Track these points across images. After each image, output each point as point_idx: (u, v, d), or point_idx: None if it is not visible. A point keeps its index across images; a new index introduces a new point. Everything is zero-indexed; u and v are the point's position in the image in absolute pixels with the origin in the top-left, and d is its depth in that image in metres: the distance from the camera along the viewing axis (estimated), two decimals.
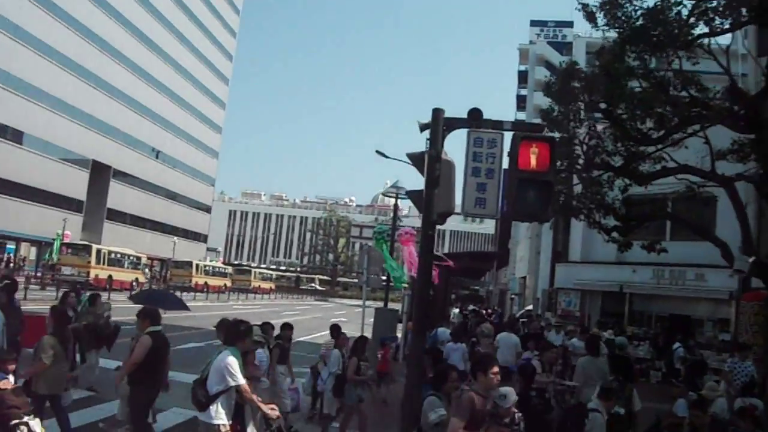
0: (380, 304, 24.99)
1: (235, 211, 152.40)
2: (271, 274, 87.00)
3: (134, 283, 45.17)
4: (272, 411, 6.30)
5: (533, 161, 6.16)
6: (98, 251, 43.64)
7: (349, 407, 9.36)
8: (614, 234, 16.24)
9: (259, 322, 9.34)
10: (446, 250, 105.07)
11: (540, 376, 9.60)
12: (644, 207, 18.97)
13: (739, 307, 18.32)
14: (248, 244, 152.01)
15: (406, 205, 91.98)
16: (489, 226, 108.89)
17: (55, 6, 56.33)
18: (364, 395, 9.47)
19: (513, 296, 48.55)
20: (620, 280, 24.41)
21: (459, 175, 6.52)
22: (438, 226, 7.04)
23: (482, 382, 5.41)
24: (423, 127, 6.58)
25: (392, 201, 27.42)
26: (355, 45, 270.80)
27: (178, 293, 43.44)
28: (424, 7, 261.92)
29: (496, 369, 5.49)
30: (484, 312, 35.17)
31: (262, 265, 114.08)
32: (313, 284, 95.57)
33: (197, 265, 60.29)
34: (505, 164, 6.57)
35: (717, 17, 13.50)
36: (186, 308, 12.96)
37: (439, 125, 6.40)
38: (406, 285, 20.45)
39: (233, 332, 6.33)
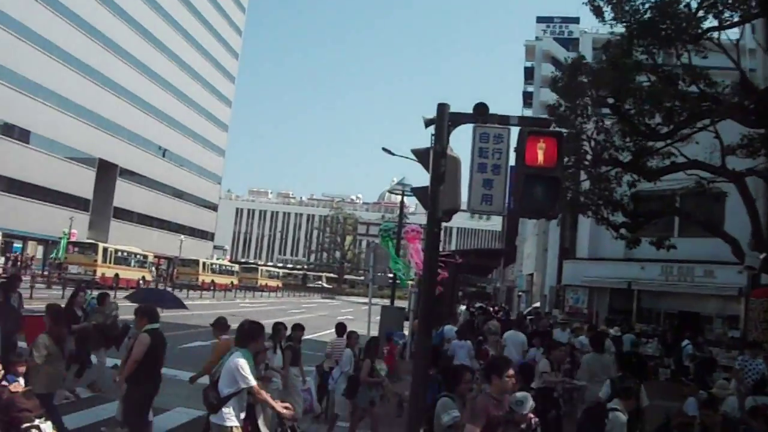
0: (387, 301, 24.91)
1: (241, 209, 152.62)
2: (278, 272, 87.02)
3: (141, 282, 45.14)
4: (287, 410, 6.25)
5: (540, 157, 6.01)
6: (105, 250, 43.63)
7: (361, 409, 9.26)
8: (622, 230, 16.12)
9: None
10: (453, 248, 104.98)
11: (549, 375, 9.48)
12: (653, 203, 18.84)
13: (748, 303, 18.16)
14: (255, 242, 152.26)
15: (412, 203, 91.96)
16: (496, 223, 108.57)
17: (60, 4, 56.31)
18: (377, 397, 9.37)
19: (520, 293, 48.40)
20: (628, 277, 24.27)
21: (465, 172, 6.41)
22: (445, 224, 6.91)
23: (497, 386, 5.30)
24: (428, 123, 6.43)
25: (399, 198, 27.29)
26: (361, 42, 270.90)
27: (185, 292, 43.81)
28: (430, 4, 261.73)
29: (511, 372, 5.38)
30: (491, 309, 35.04)
31: (269, 263, 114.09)
32: (320, 282, 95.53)
33: (204, 264, 60.28)
34: (512, 160, 6.45)
35: (726, 9, 13.33)
36: (184, 307, 12.90)
37: (444, 120, 6.24)
38: (412, 282, 20.37)
39: (244, 333, 6.23)
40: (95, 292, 15.57)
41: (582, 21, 64.65)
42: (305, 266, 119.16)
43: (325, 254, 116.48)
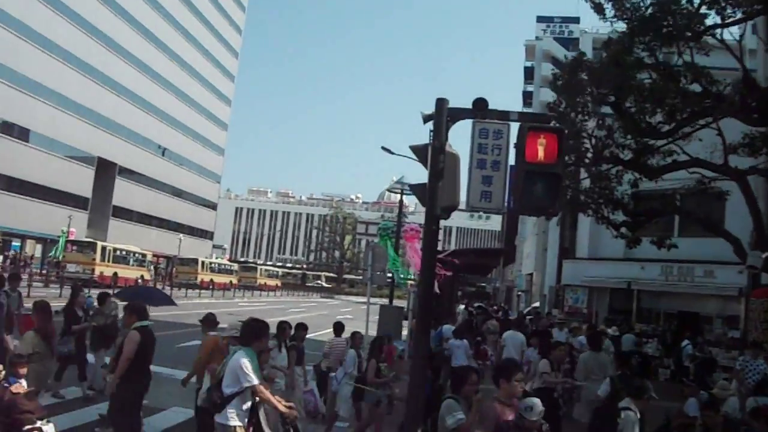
0: (386, 301, 24.84)
1: (241, 209, 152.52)
2: (277, 272, 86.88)
3: (139, 281, 45.05)
4: (290, 410, 6.19)
5: (541, 153, 5.88)
6: (103, 248, 43.53)
7: (368, 412, 9.16)
8: (623, 230, 16.02)
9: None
10: (452, 247, 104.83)
11: (549, 375, 9.40)
12: (653, 202, 18.73)
13: (748, 303, 18.10)
14: (254, 241, 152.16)
15: (412, 202, 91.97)
16: (495, 223, 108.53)
17: (61, 3, 56.22)
18: (384, 397, 9.28)
19: (520, 293, 48.37)
20: (628, 277, 24.19)
21: (464, 169, 6.29)
22: (444, 223, 6.82)
23: (505, 390, 5.21)
24: (426, 118, 6.31)
25: (399, 198, 27.21)
26: (361, 42, 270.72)
27: (183, 290, 43.68)
28: (430, 4, 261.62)
29: (520, 376, 5.30)
30: (490, 309, 34.94)
31: (268, 263, 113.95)
32: (319, 281, 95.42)
33: (203, 262, 60.17)
34: (512, 157, 6.34)
35: (729, 6, 13.23)
36: (173, 303, 12.82)
37: (442, 116, 6.12)
38: (411, 281, 20.31)
39: (249, 331, 6.14)
40: (93, 291, 15.45)
41: (582, 21, 64.78)
42: (304, 266, 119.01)
43: (324, 254, 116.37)
